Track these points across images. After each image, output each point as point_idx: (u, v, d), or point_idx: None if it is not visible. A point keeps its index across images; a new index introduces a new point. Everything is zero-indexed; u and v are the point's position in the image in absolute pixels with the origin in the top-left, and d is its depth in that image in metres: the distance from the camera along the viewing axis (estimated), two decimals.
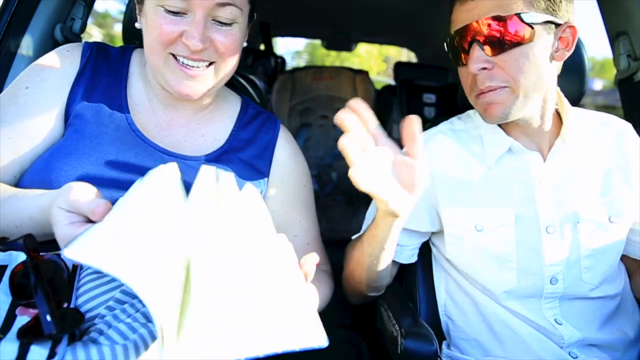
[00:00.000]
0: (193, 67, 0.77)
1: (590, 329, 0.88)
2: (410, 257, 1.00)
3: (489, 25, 0.79)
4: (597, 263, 0.88)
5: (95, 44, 0.87)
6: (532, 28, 0.79)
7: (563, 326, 0.87)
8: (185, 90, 0.78)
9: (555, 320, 0.88)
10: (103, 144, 0.78)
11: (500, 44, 0.79)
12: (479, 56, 0.81)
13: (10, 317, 0.58)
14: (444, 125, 1.01)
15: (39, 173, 0.74)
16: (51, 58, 0.83)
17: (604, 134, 0.93)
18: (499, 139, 0.91)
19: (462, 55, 0.84)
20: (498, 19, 0.78)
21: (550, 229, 0.87)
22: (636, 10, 1.22)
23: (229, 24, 0.77)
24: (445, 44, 0.89)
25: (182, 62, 0.76)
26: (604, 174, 0.90)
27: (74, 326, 0.58)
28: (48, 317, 0.56)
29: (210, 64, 0.78)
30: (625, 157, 0.91)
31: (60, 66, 0.82)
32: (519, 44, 0.79)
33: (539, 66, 0.82)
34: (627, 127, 0.95)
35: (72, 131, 0.78)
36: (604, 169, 0.90)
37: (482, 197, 0.91)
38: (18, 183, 0.76)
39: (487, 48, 0.80)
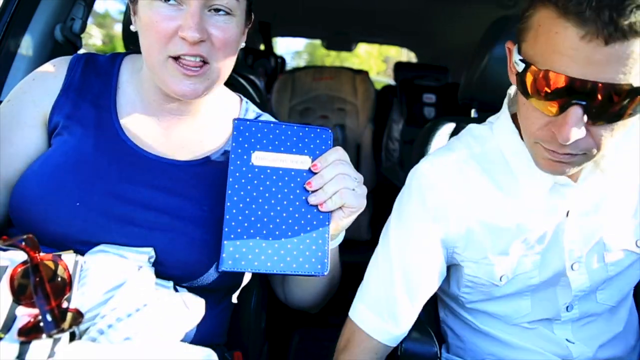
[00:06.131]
0: (190, 65, 0.75)
1: (602, 346, 0.85)
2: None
3: (605, 92, 0.57)
4: (615, 285, 0.82)
5: (84, 56, 0.87)
6: None
7: (575, 345, 0.83)
8: (182, 90, 0.76)
9: (566, 339, 0.84)
10: (93, 155, 0.77)
11: (606, 116, 0.60)
12: (578, 123, 0.59)
13: (11, 316, 0.58)
14: (461, 151, 0.81)
15: (30, 187, 0.73)
16: (37, 72, 0.84)
17: (627, 145, 0.77)
18: (537, 175, 0.73)
19: (551, 104, 0.62)
20: (617, 87, 0.57)
21: (575, 266, 0.76)
22: None
23: (226, 14, 0.76)
24: (524, 65, 0.64)
25: (180, 62, 0.75)
26: (632, 192, 0.77)
27: (74, 326, 0.58)
28: (48, 317, 0.56)
29: (205, 64, 0.77)
30: None
31: (43, 80, 0.82)
32: (623, 117, 0.60)
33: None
34: None
35: (60, 142, 0.78)
36: (632, 187, 0.77)
37: (511, 243, 0.77)
38: (10, 198, 0.75)
39: (589, 114, 0.59)
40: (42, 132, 0.80)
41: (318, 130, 0.74)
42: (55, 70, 0.84)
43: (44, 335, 0.55)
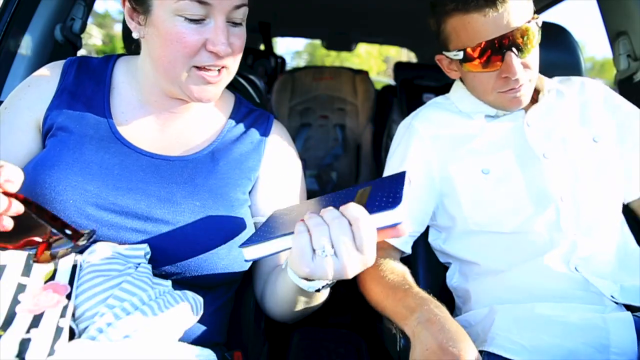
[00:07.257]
0: (213, 75, 0.78)
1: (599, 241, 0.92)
2: (410, 245, 1.03)
3: (518, 34, 0.89)
4: (594, 181, 0.95)
5: (77, 59, 0.88)
6: (540, 27, 0.92)
7: (578, 236, 0.90)
8: (206, 96, 0.80)
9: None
10: (86, 153, 0.78)
11: (527, 49, 0.91)
12: (517, 62, 0.89)
13: (10, 313, 0.58)
14: (427, 104, 1.12)
15: (24, 186, 0.73)
16: (32, 78, 0.86)
17: (570, 87, 1.07)
18: (482, 107, 1.02)
19: (493, 62, 0.92)
20: (522, 28, 0.89)
21: (547, 154, 0.96)
22: (636, 10, 1.23)
23: (240, 24, 0.80)
24: (462, 53, 0.93)
25: (203, 72, 0.78)
26: (580, 106, 1.02)
27: (88, 238, 0.64)
28: (67, 231, 0.63)
29: (222, 67, 0.80)
30: (587, 95, 1.04)
31: (37, 85, 0.85)
32: (535, 45, 0.91)
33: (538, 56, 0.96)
34: (586, 79, 1.08)
35: (55, 142, 0.79)
36: (579, 104, 1.03)
37: (481, 145, 1.00)
38: None
39: (520, 54, 0.90)
40: (35, 136, 0.82)
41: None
42: (49, 75, 0.86)
43: (69, 249, 0.62)
